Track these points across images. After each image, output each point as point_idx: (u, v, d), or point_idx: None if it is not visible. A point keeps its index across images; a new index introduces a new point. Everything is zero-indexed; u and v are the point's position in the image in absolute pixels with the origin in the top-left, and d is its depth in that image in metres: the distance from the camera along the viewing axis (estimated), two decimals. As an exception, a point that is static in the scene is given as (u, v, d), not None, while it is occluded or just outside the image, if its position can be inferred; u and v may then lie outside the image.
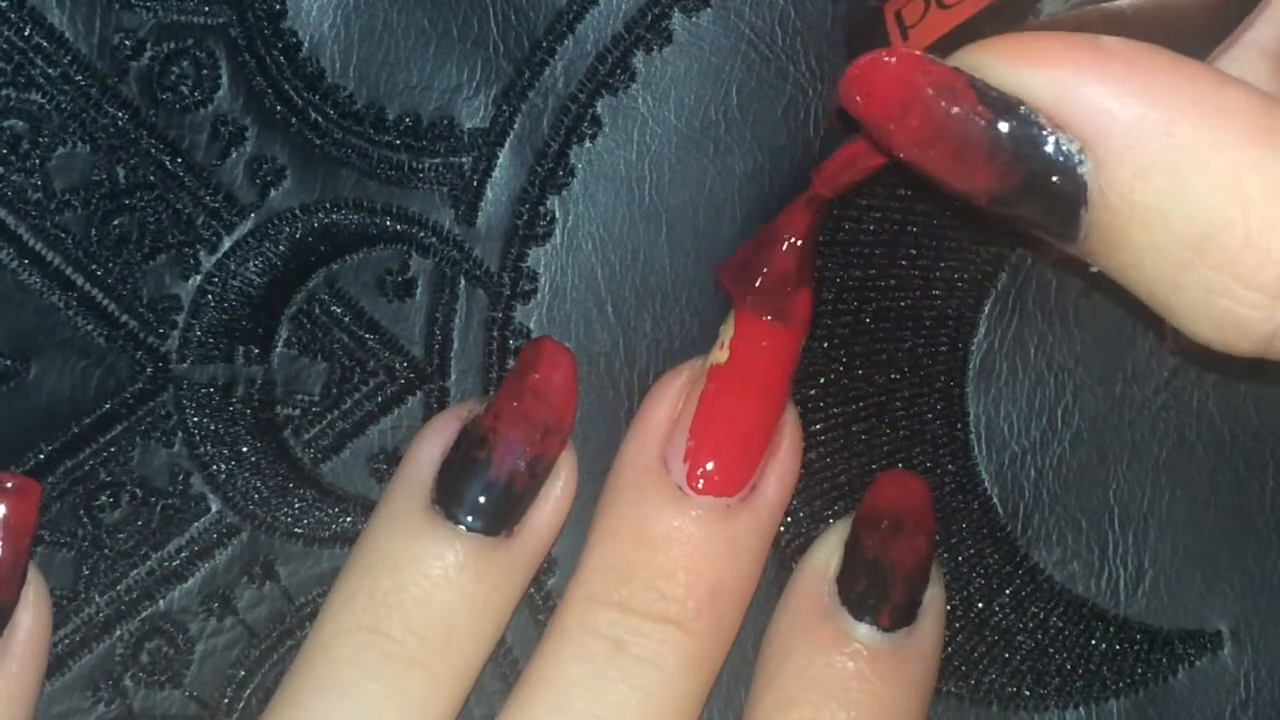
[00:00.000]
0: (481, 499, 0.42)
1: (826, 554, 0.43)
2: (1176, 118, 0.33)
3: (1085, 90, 0.33)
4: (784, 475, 0.43)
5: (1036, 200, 0.34)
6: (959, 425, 0.46)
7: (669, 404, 0.43)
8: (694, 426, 0.42)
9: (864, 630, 0.42)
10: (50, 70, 0.44)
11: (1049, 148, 0.33)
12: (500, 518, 0.42)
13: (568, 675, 0.41)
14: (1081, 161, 0.33)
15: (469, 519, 0.42)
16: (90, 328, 0.44)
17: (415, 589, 0.41)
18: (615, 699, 0.41)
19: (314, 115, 0.45)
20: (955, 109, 0.34)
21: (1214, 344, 0.34)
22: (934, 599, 0.43)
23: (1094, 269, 0.35)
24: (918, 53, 0.35)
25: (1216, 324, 0.34)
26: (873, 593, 0.42)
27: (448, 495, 0.42)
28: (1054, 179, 0.34)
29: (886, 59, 0.35)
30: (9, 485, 0.42)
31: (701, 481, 0.42)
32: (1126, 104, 0.33)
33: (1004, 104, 0.34)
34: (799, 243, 0.41)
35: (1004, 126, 0.34)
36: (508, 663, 0.45)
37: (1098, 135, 0.33)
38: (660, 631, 0.41)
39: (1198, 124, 0.33)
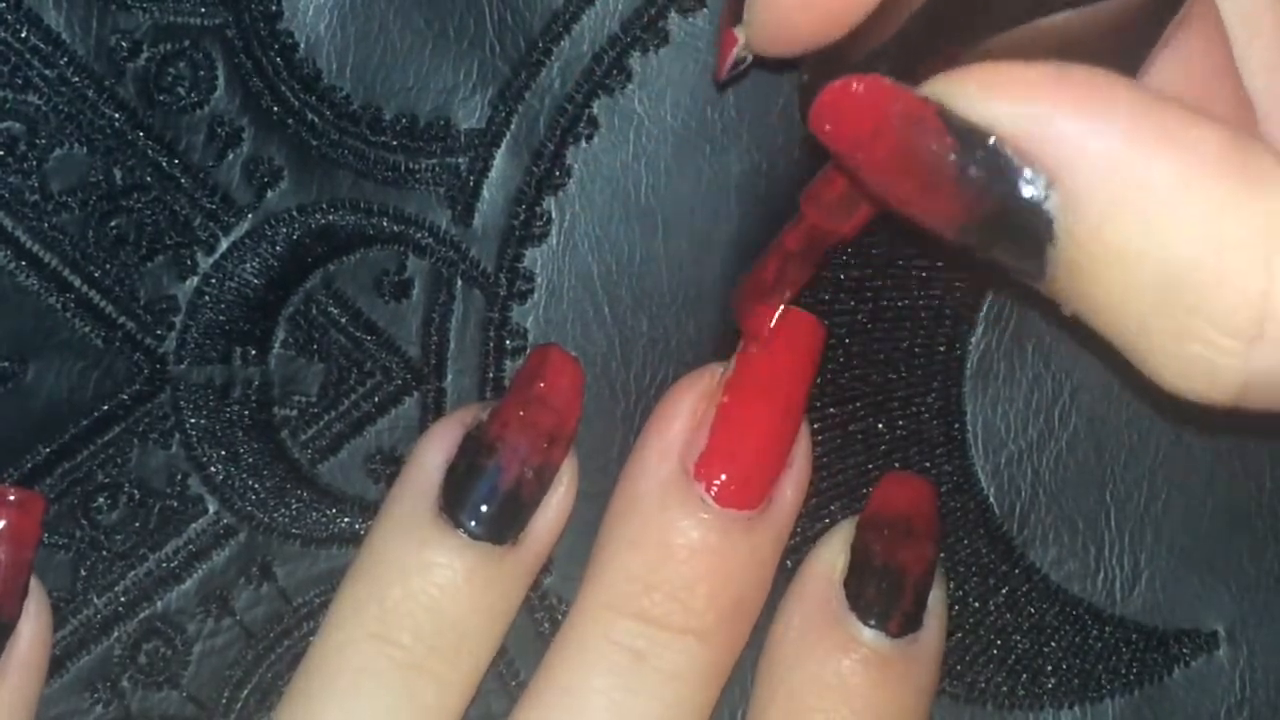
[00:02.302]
0: (489, 507, 0.42)
1: (832, 556, 0.43)
2: (1147, 154, 0.32)
3: (1055, 123, 0.32)
4: (799, 484, 0.43)
5: (1003, 235, 0.33)
6: (956, 425, 0.46)
7: (687, 413, 0.43)
8: (717, 438, 0.42)
9: (871, 635, 0.42)
10: (47, 72, 0.44)
11: (1016, 180, 0.32)
12: (507, 526, 0.42)
13: (590, 686, 0.41)
14: (1049, 196, 0.32)
15: (476, 527, 0.42)
16: (88, 329, 0.44)
17: (425, 598, 0.41)
18: (636, 709, 0.41)
19: (311, 116, 0.45)
20: (922, 138, 0.33)
21: (1184, 392, 0.33)
22: (937, 602, 0.43)
23: (1067, 312, 0.34)
24: (887, 80, 0.34)
25: (1186, 371, 0.33)
26: (882, 598, 0.42)
27: (454, 503, 0.42)
28: (1020, 213, 0.33)
29: (855, 86, 0.34)
30: (11, 498, 0.42)
31: (726, 494, 0.42)
32: (1096, 139, 0.32)
33: (972, 134, 0.33)
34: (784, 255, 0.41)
35: (971, 157, 0.33)
36: (504, 661, 0.45)
37: (1066, 169, 0.32)
38: (681, 643, 0.41)
39: (1169, 161, 0.32)
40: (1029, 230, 0.33)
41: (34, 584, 0.42)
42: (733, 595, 0.42)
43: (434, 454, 0.42)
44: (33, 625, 0.42)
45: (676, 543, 0.42)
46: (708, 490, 0.42)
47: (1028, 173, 0.32)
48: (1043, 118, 0.32)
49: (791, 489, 0.43)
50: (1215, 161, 0.32)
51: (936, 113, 0.33)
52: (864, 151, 0.34)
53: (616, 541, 0.42)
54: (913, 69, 0.35)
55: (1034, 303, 0.46)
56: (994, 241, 0.33)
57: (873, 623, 0.42)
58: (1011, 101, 0.32)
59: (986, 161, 0.33)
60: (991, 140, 0.32)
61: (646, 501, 0.42)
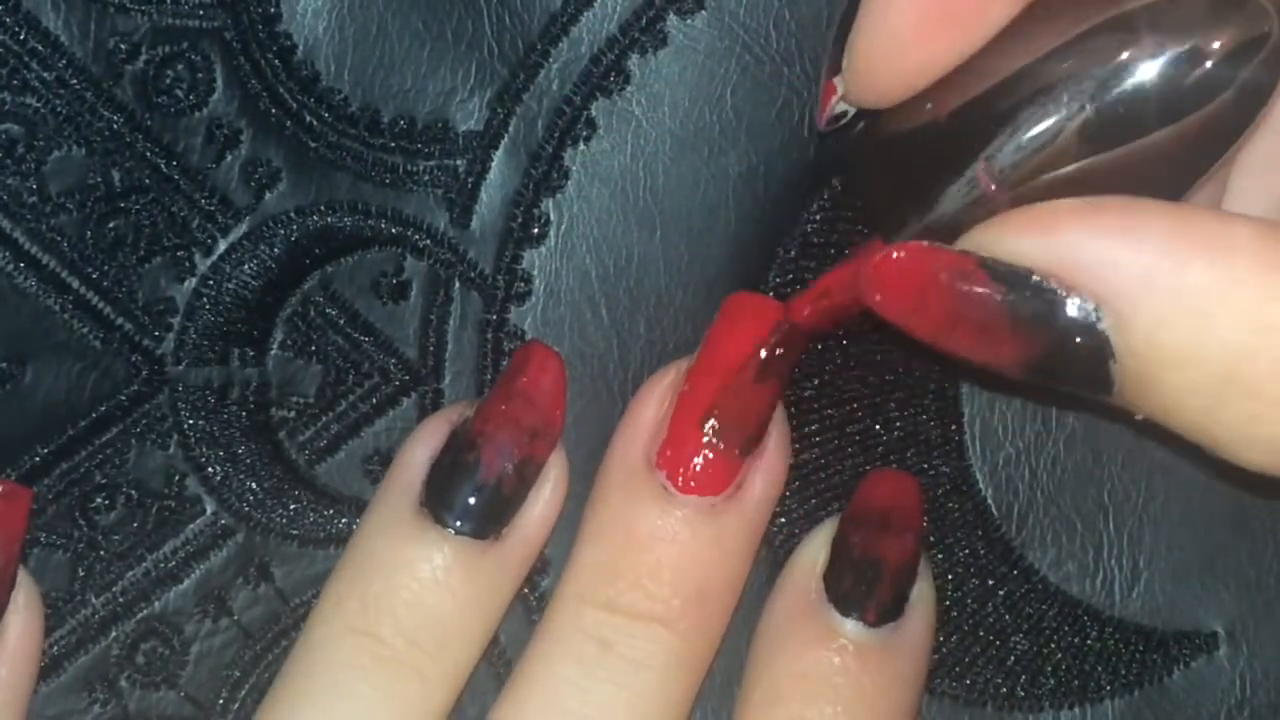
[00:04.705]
0: (469, 502, 0.42)
1: (814, 551, 0.44)
2: (1186, 260, 0.34)
3: (1091, 249, 0.34)
4: (770, 474, 0.43)
5: (1066, 363, 0.35)
6: (954, 426, 0.46)
7: (655, 404, 0.43)
8: (675, 426, 0.42)
9: (851, 626, 0.42)
10: (45, 74, 0.44)
11: (1066, 311, 0.34)
12: (488, 520, 0.42)
13: (557, 675, 0.42)
14: (1099, 318, 0.34)
15: (457, 522, 0.42)
16: (86, 330, 0.44)
17: (405, 592, 0.42)
18: (604, 699, 0.41)
19: (309, 118, 0.45)
20: (970, 290, 0.35)
21: (1268, 470, 0.35)
22: (922, 595, 0.43)
23: (1139, 417, 0.36)
24: (925, 244, 0.36)
25: (1265, 450, 0.34)
26: (859, 589, 0.42)
27: (436, 498, 0.42)
28: (1076, 340, 0.35)
29: (896, 254, 0.36)
30: None
31: (685, 481, 0.42)
32: (1133, 256, 0.34)
33: (1015, 277, 0.35)
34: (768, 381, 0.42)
35: (1019, 298, 0.35)
36: (502, 663, 0.45)
37: (1111, 291, 0.34)
38: (647, 631, 0.42)
39: (1206, 263, 0.33)
40: (1089, 354, 0.35)
41: (24, 577, 0.42)
42: (696, 582, 0.42)
43: (420, 451, 0.43)
44: (22, 618, 0.42)
45: (639, 531, 0.42)
46: (669, 478, 0.42)
47: (1075, 301, 0.34)
48: (1077, 245, 0.34)
49: (762, 479, 0.43)
50: (1250, 254, 0.33)
51: (978, 263, 0.35)
52: (918, 314, 0.36)
53: (585, 533, 0.43)
54: (959, 147, 0.37)
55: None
56: (1059, 370, 0.35)
57: (851, 614, 0.42)
58: (1046, 236, 0.35)
59: (1034, 299, 0.35)
60: (1034, 278, 0.35)
61: (613, 493, 0.42)
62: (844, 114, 0.41)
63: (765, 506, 0.43)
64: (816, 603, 0.43)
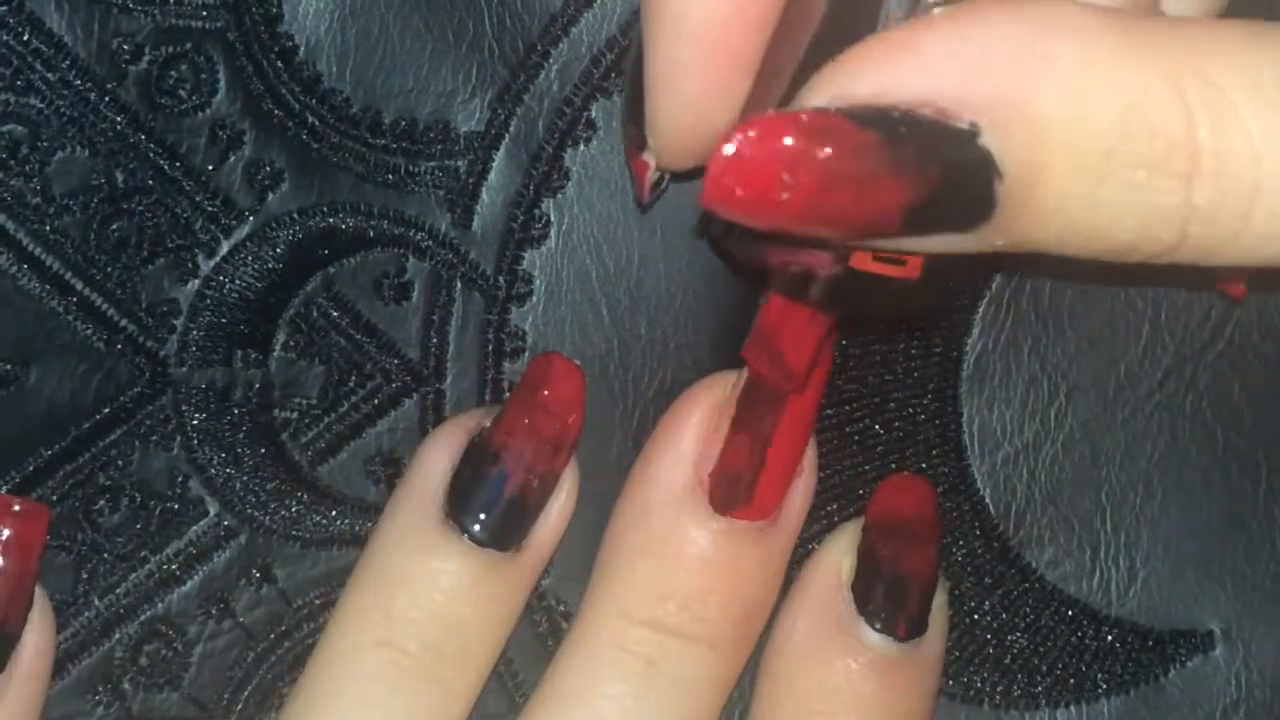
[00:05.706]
0: (495, 515, 0.42)
1: (838, 560, 0.43)
2: (1049, 50, 0.31)
3: (948, 66, 0.31)
4: (807, 492, 0.43)
5: (952, 194, 0.32)
6: (952, 426, 0.46)
7: (701, 424, 0.42)
8: (729, 451, 0.42)
9: (878, 639, 0.42)
10: (49, 75, 0.44)
11: (944, 134, 0.31)
12: (512, 533, 0.42)
13: (602, 692, 0.41)
14: (978, 132, 0.31)
15: (482, 534, 0.42)
16: (89, 332, 0.44)
17: (431, 605, 0.41)
18: (648, 717, 0.41)
19: (311, 119, 0.45)
20: (840, 143, 0.31)
21: (1142, 248, 0.33)
22: (939, 606, 0.43)
23: (999, 243, 0.33)
24: (770, 112, 0.32)
25: (1142, 221, 0.32)
26: (890, 603, 0.42)
27: (461, 510, 0.42)
28: (961, 161, 0.31)
29: (746, 134, 0.31)
30: (16, 509, 0.42)
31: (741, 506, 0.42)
32: (993, 58, 0.31)
33: (881, 116, 0.31)
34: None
35: (893, 134, 0.31)
36: (502, 660, 0.45)
37: (981, 101, 0.31)
38: (695, 651, 0.42)
39: (1068, 48, 0.31)
40: (974, 174, 0.32)
41: (38, 595, 0.42)
42: (743, 604, 0.42)
43: (438, 460, 0.42)
44: (36, 636, 0.42)
45: (689, 553, 0.42)
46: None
47: (951, 123, 0.31)
48: (933, 66, 0.32)
49: (800, 497, 0.43)
50: (1104, 33, 0.32)
51: (835, 114, 0.31)
52: (790, 191, 0.31)
53: (628, 550, 0.42)
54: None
55: (1034, 291, 0.46)
56: (944, 208, 0.32)
57: (879, 626, 0.42)
58: (896, 67, 0.32)
59: (909, 131, 0.31)
60: (897, 112, 0.31)
61: (659, 511, 0.42)
62: (661, 180, 0.42)
63: (800, 522, 0.43)
64: (845, 615, 0.43)
